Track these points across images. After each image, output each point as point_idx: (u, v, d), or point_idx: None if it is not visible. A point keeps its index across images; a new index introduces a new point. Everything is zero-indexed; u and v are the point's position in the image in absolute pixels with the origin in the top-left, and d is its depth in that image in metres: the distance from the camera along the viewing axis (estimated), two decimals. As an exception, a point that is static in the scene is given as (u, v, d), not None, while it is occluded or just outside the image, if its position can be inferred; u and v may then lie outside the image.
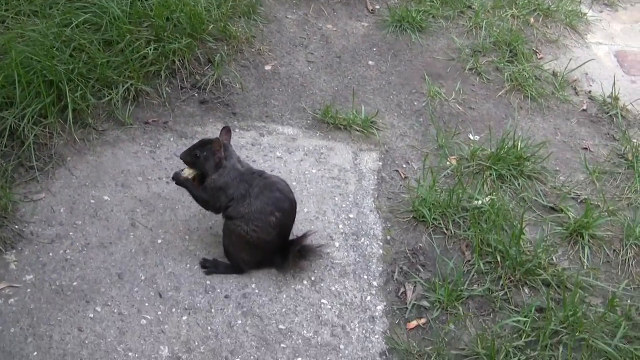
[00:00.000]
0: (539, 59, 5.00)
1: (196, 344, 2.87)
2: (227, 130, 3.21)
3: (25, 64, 3.71)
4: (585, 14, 5.61)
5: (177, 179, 3.20)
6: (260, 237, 3.04)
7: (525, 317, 3.07)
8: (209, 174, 3.11)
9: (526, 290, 3.26)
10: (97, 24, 4.22)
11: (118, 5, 4.31)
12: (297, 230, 3.27)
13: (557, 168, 4.02)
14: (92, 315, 2.90)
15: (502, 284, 3.25)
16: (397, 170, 3.84)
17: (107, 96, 3.90)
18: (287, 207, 3.08)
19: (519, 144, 3.96)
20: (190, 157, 3.14)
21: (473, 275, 3.29)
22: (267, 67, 4.45)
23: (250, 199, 3.04)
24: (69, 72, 3.79)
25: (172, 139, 3.81)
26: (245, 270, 3.16)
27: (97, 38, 4.10)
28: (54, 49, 3.90)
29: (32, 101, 3.63)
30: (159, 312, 2.95)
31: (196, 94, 4.14)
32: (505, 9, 5.44)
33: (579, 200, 3.81)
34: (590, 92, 4.75)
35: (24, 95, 3.62)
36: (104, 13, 4.25)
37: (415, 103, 4.38)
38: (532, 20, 5.41)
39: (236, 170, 3.10)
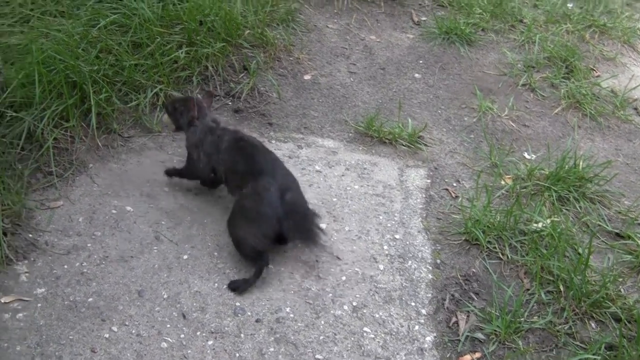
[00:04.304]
0: (596, 76, 4.69)
1: (223, 372, 2.55)
2: (209, 95, 3.37)
3: (48, 63, 3.45)
4: (643, 32, 5.31)
5: (167, 171, 3.30)
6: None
7: (594, 354, 2.72)
8: (183, 129, 3.21)
9: (592, 325, 2.91)
10: (127, 25, 3.97)
11: (149, 6, 4.07)
12: (337, 249, 2.97)
13: (621, 191, 3.68)
14: (107, 336, 2.59)
15: (566, 317, 2.90)
16: (446, 189, 3.52)
17: (134, 101, 3.63)
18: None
19: (581, 163, 3.63)
20: (171, 106, 3.25)
21: (533, 305, 2.95)
22: (307, 77, 4.17)
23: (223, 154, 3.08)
24: (94, 73, 3.53)
25: (202, 148, 3.52)
26: (264, 259, 2.89)
27: (125, 40, 3.85)
28: (79, 49, 3.65)
29: (53, 102, 3.37)
30: (182, 335, 2.63)
31: (230, 103, 3.86)
32: (559, 24, 5.16)
33: (647, 227, 3.47)
34: (652, 112, 4.42)
35: (44, 95, 3.36)
36: (133, 14, 4.01)
37: (466, 118, 4.07)
38: (587, 36, 5.11)
39: (208, 127, 3.15)
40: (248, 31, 4.21)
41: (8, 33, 3.87)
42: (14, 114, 3.31)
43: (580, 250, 3.19)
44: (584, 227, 3.40)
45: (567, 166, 3.61)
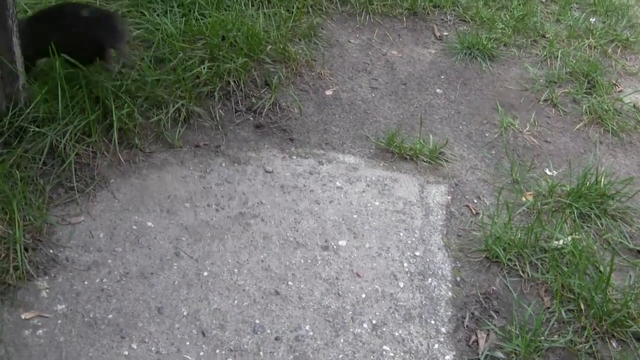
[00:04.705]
0: (619, 91, 4.65)
1: (241, 390, 2.55)
2: None
3: (71, 78, 3.48)
4: (667, 47, 5.26)
5: None
6: None
7: (615, 375, 2.71)
8: None
9: (614, 344, 2.88)
10: (149, 40, 3.99)
11: (172, 22, 4.09)
12: (357, 266, 2.96)
13: (644, 209, 3.65)
14: (126, 353, 2.60)
15: (586, 336, 2.87)
16: (467, 206, 3.50)
17: (156, 116, 3.64)
18: None
19: (602, 180, 3.60)
20: None
21: (553, 324, 2.92)
22: (328, 92, 4.16)
23: None
24: (117, 89, 3.54)
25: (224, 164, 3.52)
26: None
27: (148, 55, 3.87)
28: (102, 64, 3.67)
29: (76, 117, 3.38)
30: (201, 353, 2.64)
31: (251, 118, 3.86)
32: (582, 39, 5.13)
33: (669, 246, 3.43)
34: (676, 129, 4.38)
35: (67, 111, 3.38)
36: (156, 29, 4.03)
37: (487, 134, 4.05)
38: (609, 51, 5.08)
39: None
40: (270, 46, 4.21)
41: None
42: (37, 129, 3.33)
43: (601, 268, 3.16)
44: (605, 244, 3.37)
45: (588, 183, 3.58)
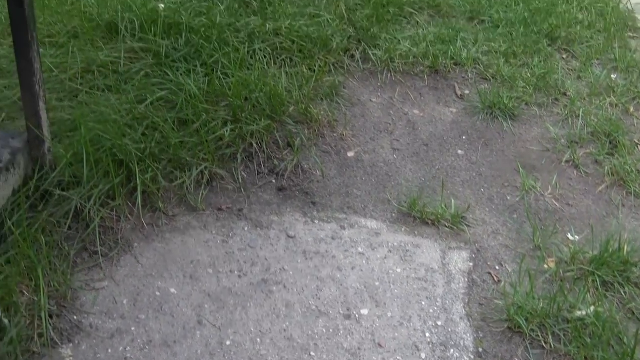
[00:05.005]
0: (641, 152, 4.66)
1: None
2: None
3: (95, 142, 3.52)
4: (690, 105, 5.27)
5: None
6: None
7: None
8: None
9: (638, 420, 2.87)
10: (173, 101, 4.04)
11: (195, 82, 4.14)
12: (380, 336, 2.96)
13: (668, 277, 3.63)
14: None
15: (610, 411, 2.86)
16: (489, 273, 3.50)
17: (180, 179, 3.67)
18: None
19: (625, 247, 3.59)
20: None
21: (577, 398, 2.92)
22: (350, 154, 4.19)
23: None
24: (141, 152, 3.58)
25: (246, 229, 3.54)
26: None
27: (171, 117, 3.91)
28: (126, 126, 3.71)
29: (101, 181, 3.42)
30: None
31: (274, 180, 3.89)
32: (603, 97, 5.14)
33: (695, 316, 3.41)
34: (699, 192, 4.36)
35: (92, 175, 3.42)
36: (180, 90, 4.08)
37: (509, 197, 4.05)
38: (631, 109, 5.09)
39: None
40: (293, 107, 4.25)
41: (58, 108, 3.95)
42: (62, 192, 3.37)
43: (625, 340, 3.14)
44: (629, 314, 3.36)
45: (611, 250, 3.57)
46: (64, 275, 3.09)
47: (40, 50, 3.37)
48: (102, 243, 3.31)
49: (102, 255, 3.27)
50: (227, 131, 3.91)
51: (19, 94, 3.61)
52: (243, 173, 3.86)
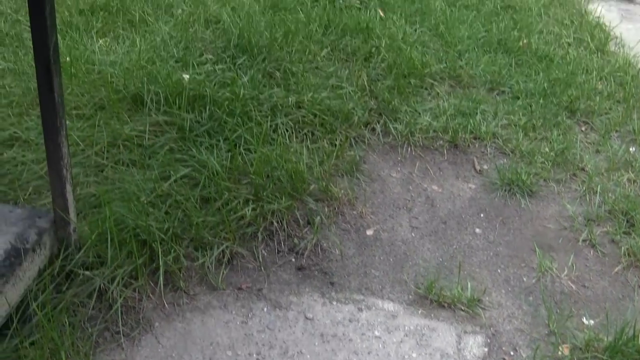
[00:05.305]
0: (658, 231, 4.68)
1: None
2: None
3: (119, 221, 3.61)
4: None
5: None
6: None
7: None
8: None
9: None
10: (196, 178, 4.13)
11: (218, 159, 4.23)
12: None
13: (684, 365, 3.65)
14: None
15: None
16: (504, 358, 3.53)
17: (201, 258, 3.74)
18: None
19: (640, 335, 3.62)
20: None
21: None
22: (369, 232, 4.25)
23: None
24: (164, 233, 3.66)
25: (265, 309, 3.60)
26: None
27: (194, 194, 3.99)
28: (150, 204, 3.80)
29: (124, 262, 3.50)
30: None
31: (293, 259, 3.95)
32: (621, 172, 5.18)
33: None
34: None
35: (115, 255, 3.50)
36: (203, 167, 4.17)
37: (525, 279, 4.09)
38: (649, 186, 5.13)
39: None
40: (313, 185, 4.32)
41: (84, 183, 4.05)
42: (86, 272, 3.45)
43: None
44: (643, 404, 3.38)
45: (625, 337, 3.59)
46: (86, 357, 3.16)
47: (67, 122, 3.47)
48: (124, 323, 3.38)
49: (123, 335, 3.34)
50: (248, 210, 3.98)
51: (45, 167, 3.70)
52: (263, 251, 3.93)
